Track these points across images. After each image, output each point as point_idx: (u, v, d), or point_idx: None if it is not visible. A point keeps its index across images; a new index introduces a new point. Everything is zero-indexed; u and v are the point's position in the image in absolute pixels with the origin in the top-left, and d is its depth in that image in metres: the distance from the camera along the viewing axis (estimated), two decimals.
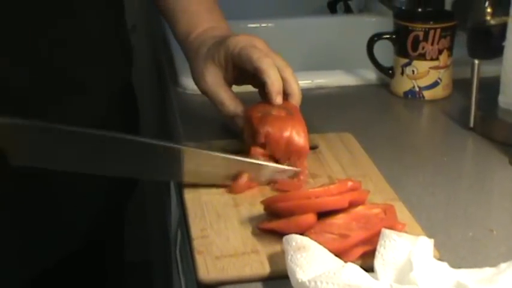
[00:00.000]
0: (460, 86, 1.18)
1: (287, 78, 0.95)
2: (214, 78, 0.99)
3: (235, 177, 0.89)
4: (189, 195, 0.89)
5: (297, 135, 0.91)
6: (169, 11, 1.08)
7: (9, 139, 0.83)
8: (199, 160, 0.88)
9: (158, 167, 0.89)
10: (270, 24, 1.61)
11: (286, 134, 0.90)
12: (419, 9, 1.28)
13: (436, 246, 0.74)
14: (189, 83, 1.21)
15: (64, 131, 0.84)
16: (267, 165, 0.90)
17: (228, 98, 0.98)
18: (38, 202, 1.00)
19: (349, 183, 0.82)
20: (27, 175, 0.92)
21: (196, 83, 1.02)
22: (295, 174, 0.90)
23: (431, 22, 1.17)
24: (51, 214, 1.01)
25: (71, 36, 0.98)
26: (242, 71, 0.98)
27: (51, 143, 0.85)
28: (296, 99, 0.96)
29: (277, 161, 0.91)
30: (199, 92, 1.06)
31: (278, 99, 0.94)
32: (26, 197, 0.98)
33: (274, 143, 0.90)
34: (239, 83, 1.01)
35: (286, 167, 0.90)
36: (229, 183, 0.89)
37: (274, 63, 0.94)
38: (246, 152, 0.95)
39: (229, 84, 1.00)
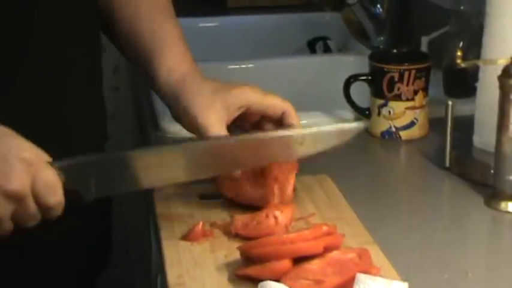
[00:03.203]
0: (437, 125, 1.19)
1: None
2: (217, 118, 0.97)
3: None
4: (166, 241, 0.89)
5: None
6: (143, 50, 1.06)
7: (79, 178, 0.84)
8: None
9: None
10: (250, 65, 1.62)
11: None
12: (395, 50, 1.30)
13: None
14: (168, 127, 1.23)
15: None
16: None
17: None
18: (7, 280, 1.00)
19: (324, 228, 0.82)
20: None
21: (195, 117, 0.98)
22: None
23: (405, 63, 1.18)
24: None
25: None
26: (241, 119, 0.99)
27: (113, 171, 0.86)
28: None
29: None
30: (178, 136, 1.10)
31: None
32: None
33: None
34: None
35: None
36: None
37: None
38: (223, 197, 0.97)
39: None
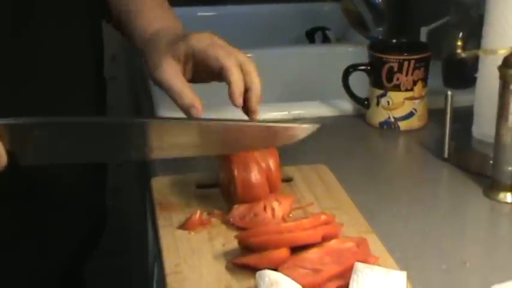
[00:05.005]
0: (436, 115, 1.19)
1: (249, 72, 0.95)
2: (172, 69, 0.97)
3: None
4: (163, 230, 0.89)
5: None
6: (123, 11, 1.08)
7: (15, 139, 0.82)
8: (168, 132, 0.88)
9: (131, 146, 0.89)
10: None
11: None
12: (394, 40, 1.29)
13: (409, 279, 0.74)
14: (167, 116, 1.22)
15: (66, 123, 0.85)
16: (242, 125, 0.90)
17: (186, 88, 0.96)
18: None
19: (322, 217, 0.82)
20: None
21: (153, 73, 0.99)
22: None
23: (405, 53, 1.18)
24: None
25: None
26: (199, 69, 0.97)
27: (54, 138, 0.84)
28: (256, 93, 0.95)
29: None
30: None
31: (239, 101, 0.93)
32: None
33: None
34: (195, 80, 1.00)
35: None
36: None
37: (238, 61, 0.95)
38: (221, 186, 0.96)
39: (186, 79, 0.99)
